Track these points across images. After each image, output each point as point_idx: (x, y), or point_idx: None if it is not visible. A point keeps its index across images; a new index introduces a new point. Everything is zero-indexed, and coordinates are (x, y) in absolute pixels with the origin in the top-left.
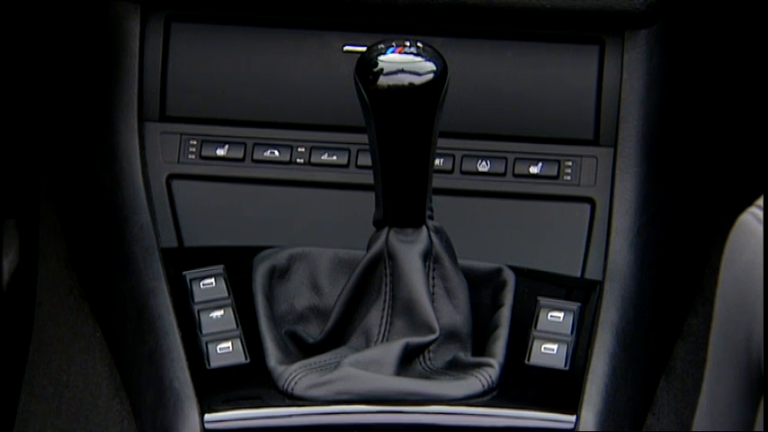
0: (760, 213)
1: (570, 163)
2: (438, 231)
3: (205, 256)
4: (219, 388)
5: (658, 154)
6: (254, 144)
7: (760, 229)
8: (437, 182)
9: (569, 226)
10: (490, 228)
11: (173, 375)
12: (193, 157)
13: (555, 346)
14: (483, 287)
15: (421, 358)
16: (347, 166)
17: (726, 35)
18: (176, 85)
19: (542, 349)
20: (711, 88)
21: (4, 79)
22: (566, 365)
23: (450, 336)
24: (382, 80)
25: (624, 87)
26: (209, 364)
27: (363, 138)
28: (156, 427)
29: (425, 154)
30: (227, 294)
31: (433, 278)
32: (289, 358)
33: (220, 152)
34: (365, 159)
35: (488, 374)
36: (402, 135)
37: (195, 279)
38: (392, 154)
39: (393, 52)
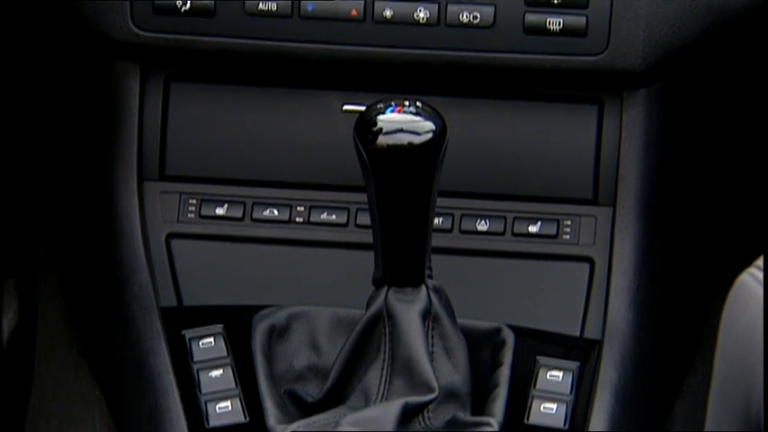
0: (759, 274)
1: (569, 222)
2: (437, 290)
3: (204, 315)
4: None
5: (657, 213)
6: (254, 203)
7: (759, 290)
8: (436, 241)
9: (568, 285)
10: (489, 287)
11: None
12: (193, 216)
13: (554, 406)
14: (482, 346)
15: (420, 417)
16: (346, 225)
17: (725, 94)
18: (176, 145)
19: (542, 408)
20: (711, 147)
21: (3, 137)
22: (565, 425)
23: (449, 395)
24: (381, 139)
25: (623, 147)
26: (209, 424)
27: (362, 197)
28: None
29: (424, 213)
30: (226, 353)
31: (432, 337)
32: (288, 417)
33: (220, 211)
34: (364, 219)
35: None
36: (401, 194)
37: (194, 338)
38: (391, 213)
39: (392, 111)
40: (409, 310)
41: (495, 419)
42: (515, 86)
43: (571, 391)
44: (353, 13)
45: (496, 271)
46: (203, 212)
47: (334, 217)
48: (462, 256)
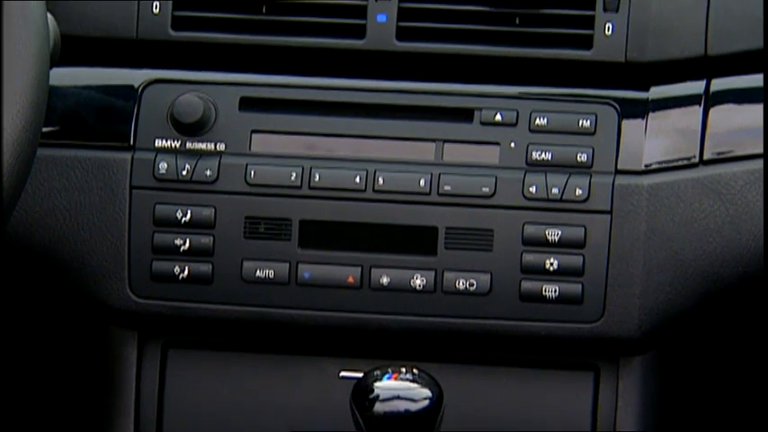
0: None
1: None
2: None
3: None
4: None
5: None
6: None
7: None
8: None
9: None
10: None
11: None
12: None
13: None
14: None
15: None
16: None
17: (721, 360)
18: (173, 412)
19: None
20: (706, 413)
21: (2, 399)
22: None
23: None
24: (378, 407)
25: (619, 414)
26: None
27: None
28: None
29: None
30: None
31: None
32: None
33: None
34: None
35: None
36: None
37: None
38: None
39: (389, 379)
40: None
41: None
42: (511, 353)
43: None
44: (350, 279)
45: None
46: None
47: None
48: None
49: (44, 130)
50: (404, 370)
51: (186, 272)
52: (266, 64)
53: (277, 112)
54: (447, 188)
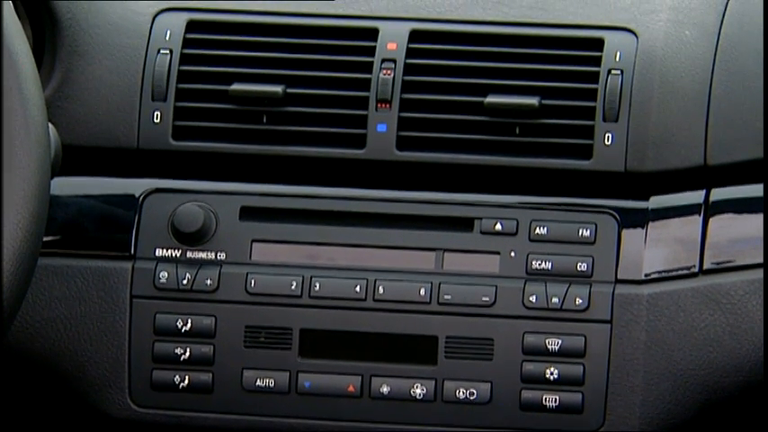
0: None
1: None
2: None
3: None
4: None
5: None
6: None
7: None
8: None
9: None
10: None
11: None
12: None
13: None
14: None
15: None
16: None
17: None
18: None
19: None
20: None
21: None
22: None
23: None
24: None
25: None
26: None
27: None
28: None
29: None
30: None
31: None
32: None
33: None
34: None
35: None
36: None
37: None
38: None
39: None
40: None
41: None
42: None
43: None
44: (350, 388)
45: None
46: None
47: None
48: None
49: (45, 239)
50: None
51: (186, 381)
52: (267, 173)
53: (277, 221)
54: (447, 297)
